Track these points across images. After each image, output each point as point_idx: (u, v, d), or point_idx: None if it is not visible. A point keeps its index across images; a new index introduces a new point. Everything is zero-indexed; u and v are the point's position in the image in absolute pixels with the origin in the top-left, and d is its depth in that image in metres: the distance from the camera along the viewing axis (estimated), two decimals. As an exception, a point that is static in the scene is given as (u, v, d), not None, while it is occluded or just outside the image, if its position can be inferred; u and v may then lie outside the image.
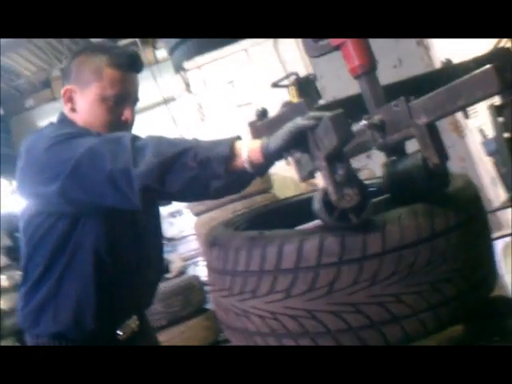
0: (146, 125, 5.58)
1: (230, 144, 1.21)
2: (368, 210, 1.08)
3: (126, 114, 1.58)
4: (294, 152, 1.18)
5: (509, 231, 2.70)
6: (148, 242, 1.69)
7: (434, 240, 1.11)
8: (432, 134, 1.11)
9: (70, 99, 1.59)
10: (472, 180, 1.42)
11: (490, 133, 2.68)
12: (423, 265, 1.10)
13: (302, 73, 4.79)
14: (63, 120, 1.61)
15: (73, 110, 1.59)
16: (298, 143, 1.14)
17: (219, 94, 4.95)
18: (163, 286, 3.71)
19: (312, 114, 1.14)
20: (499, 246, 2.56)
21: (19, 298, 1.62)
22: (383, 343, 1.11)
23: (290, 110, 1.28)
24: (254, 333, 1.21)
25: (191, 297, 3.58)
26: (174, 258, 4.34)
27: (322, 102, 1.68)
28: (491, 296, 1.33)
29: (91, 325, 1.53)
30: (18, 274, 4.61)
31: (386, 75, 1.37)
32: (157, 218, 1.80)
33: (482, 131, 3.30)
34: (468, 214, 1.21)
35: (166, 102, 5.55)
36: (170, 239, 5.08)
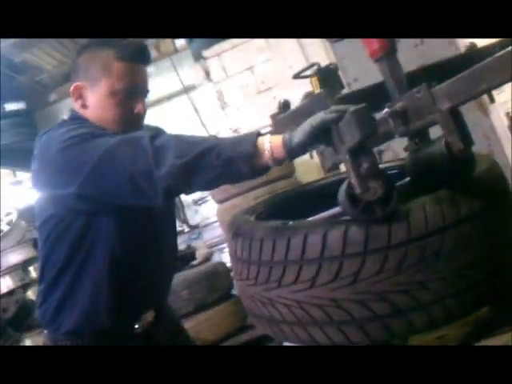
0: (168, 115, 5.60)
1: (254, 142, 1.20)
2: (393, 202, 1.07)
3: (138, 106, 1.58)
4: (317, 146, 1.18)
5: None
6: (163, 234, 1.70)
7: (460, 226, 1.10)
8: (456, 120, 1.09)
9: (80, 96, 1.58)
10: (496, 161, 1.40)
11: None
12: (448, 252, 1.09)
13: (322, 59, 4.77)
14: (75, 117, 1.61)
15: (84, 106, 1.59)
16: (321, 137, 1.14)
17: (239, 81, 4.94)
18: (189, 273, 3.74)
19: (334, 107, 1.13)
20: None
21: (37, 295, 1.65)
22: (408, 330, 1.11)
23: (310, 102, 1.27)
24: (279, 321, 1.23)
25: (217, 283, 3.60)
26: (199, 245, 4.38)
27: (344, 91, 1.67)
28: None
29: (107, 322, 1.55)
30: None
31: (408, 55, 1.36)
32: (171, 208, 1.81)
33: (508, 115, 3.23)
34: (492, 199, 1.19)
35: (186, 91, 5.56)
36: (195, 226, 5.12)
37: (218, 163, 1.20)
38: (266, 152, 1.18)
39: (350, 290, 1.10)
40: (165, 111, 5.67)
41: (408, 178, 1.30)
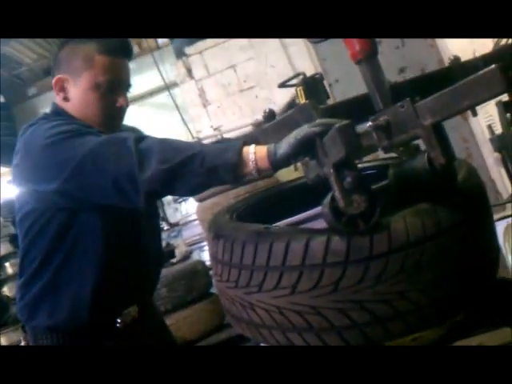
0: (149, 111, 5.58)
1: (238, 151, 1.20)
2: (376, 216, 1.09)
3: (120, 100, 1.57)
4: (301, 158, 1.19)
5: (510, 212, 2.70)
6: (147, 231, 1.69)
7: (440, 237, 1.12)
8: (438, 135, 1.10)
9: (62, 89, 1.57)
10: (474, 167, 1.42)
11: (498, 129, 2.68)
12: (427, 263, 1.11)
13: (304, 59, 4.79)
14: (57, 111, 1.60)
15: (66, 99, 1.58)
16: (306, 150, 1.14)
17: (221, 79, 4.94)
18: (168, 271, 3.73)
19: (319, 120, 1.14)
20: (501, 227, 2.57)
21: (16, 290, 1.64)
22: (385, 337, 1.14)
23: (295, 112, 1.28)
24: (259, 325, 1.23)
25: (195, 281, 3.59)
26: (178, 243, 4.37)
27: (329, 102, 1.69)
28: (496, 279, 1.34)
29: (88, 318, 1.54)
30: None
31: (389, 57, 1.37)
32: (154, 206, 1.81)
33: (490, 127, 3.30)
34: (472, 209, 1.21)
35: (168, 87, 5.53)
36: (174, 224, 5.10)
37: (201, 171, 1.20)
38: (251, 163, 1.19)
39: (330, 298, 1.12)
40: (146, 108, 5.65)
41: (387, 181, 1.31)
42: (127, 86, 1.62)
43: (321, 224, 1.19)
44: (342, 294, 1.11)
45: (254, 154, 1.20)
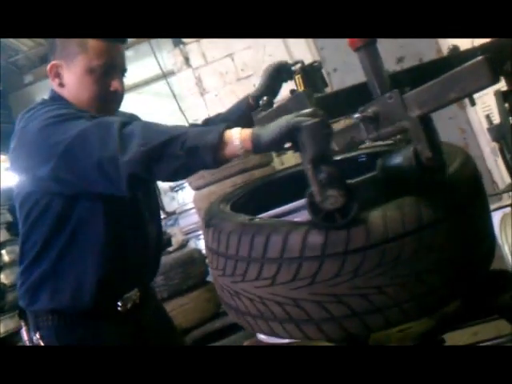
0: (146, 100, 5.55)
1: (220, 132, 1.21)
2: (353, 211, 1.09)
3: (115, 84, 1.58)
4: (285, 147, 1.19)
5: (507, 202, 2.71)
6: (147, 218, 1.70)
7: (421, 232, 1.11)
8: (425, 127, 1.09)
9: (58, 74, 1.59)
10: (469, 156, 1.41)
11: (496, 119, 2.67)
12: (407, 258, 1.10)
13: (302, 48, 4.77)
14: (54, 96, 1.61)
15: (61, 85, 1.59)
16: (287, 141, 1.15)
17: (219, 68, 4.92)
18: (164, 260, 3.73)
19: (304, 111, 1.13)
20: (498, 216, 2.57)
21: (17, 276, 1.64)
22: (364, 331, 1.14)
23: (290, 102, 1.28)
24: (244, 313, 1.25)
25: (192, 270, 3.60)
26: (175, 231, 4.37)
27: (327, 90, 1.68)
28: (491, 271, 1.34)
29: (90, 302, 1.55)
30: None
31: (387, 46, 1.36)
32: (154, 193, 1.82)
33: (488, 117, 3.30)
34: (463, 201, 1.20)
35: (165, 76, 5.51)
36: (172, 213, 5.10)
37: (181, 153, 1.21)
38: (234, 144, 1.19)
39: (308, 291, 1.12)
40: (143, 96, 5.62)
41: (373, 173, 1.30)
42: (122, 70, 1.63)
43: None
44: (320, 287, 1.11)
45: (237, 134, 1.20)
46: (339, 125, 1.24)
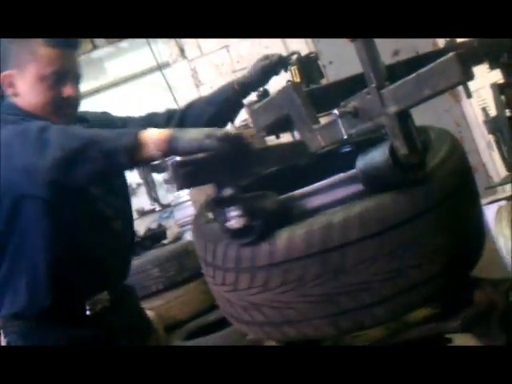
0: (140, 92, 5.53)
1: (135, 134, 1.24)
2: (257, 230, 1.13)
3: (67, 90, 1.59)
4: None
5: (502, 195, 2.71)
6: (109, 215, 1.68)
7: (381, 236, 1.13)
8: (402, 124, 1.09)
9: (11, 84, 1.60)
10: (456, 141, 1.40)
11: (493, 111, 2.68)
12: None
13: (298, 41, 4.75)
14: (8, 106, 1.62)
15: (15, 94, 1.60)
16: (204, 150, 1.18)
17: (214, 60, 4.90)
18: (159, 252, 3.73)
19: (217, 135, 1.16)
20: (492, 210, 2.58)
21: None
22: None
23: (278, 95, 1.29)
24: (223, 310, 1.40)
25: (187, 262, 3.60)
26: (170, 224, 4.37)
27: (323, 81, 1.68)
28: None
29: (45, 301, 1.54)
30: None
31: (383, 40, 1.35)
32: (121, 189, 1.80)
33: (484, 110, 3.31)
34: (437, 201, 1.19)
35: (160, 67, 5.48)
36: (166, 205, 5.09)
37: (97, 156, 1.25)
38: (151, 146, 1.22)
39: (263, 297, 1.20)
40: (138, 88, 5.59)
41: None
42: (76, 76, 1.63)
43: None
44: (242, 296, 1.23)
45: (155, 136, 1.24)
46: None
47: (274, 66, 1.72)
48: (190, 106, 1.88)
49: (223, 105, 1.79)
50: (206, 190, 2.03)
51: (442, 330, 1.26)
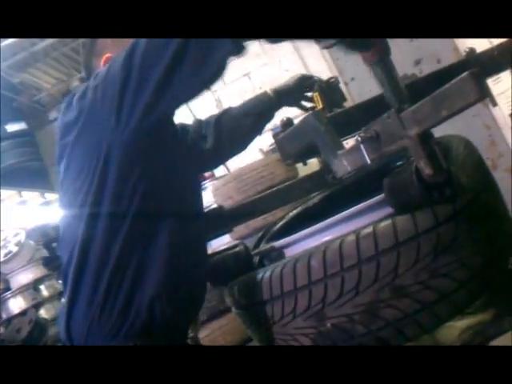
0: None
1: None
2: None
3: None
4: None
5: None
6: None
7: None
8: (425, 145, 1.09)
9: None
10: (472, 152, 1.40)
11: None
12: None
13: (318, 60, 4.78)
14: None
15: None
16: None
17: (237, 88, 4.96)
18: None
19: None
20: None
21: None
22: None
23: (302, 123, 1.31)
24: None
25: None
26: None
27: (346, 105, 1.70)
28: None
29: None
30: (59, 283, 4.73)
31: (404, 49, 1.36)
32: None
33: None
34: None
35: (185, 100, 5.57)
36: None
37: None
38: None
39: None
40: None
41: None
42: None
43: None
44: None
45: None
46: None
47: (311, 83, 1.71)
48: (224, 117, 1.82)
49: (260, 116, 1.77)
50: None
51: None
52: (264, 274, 1.31)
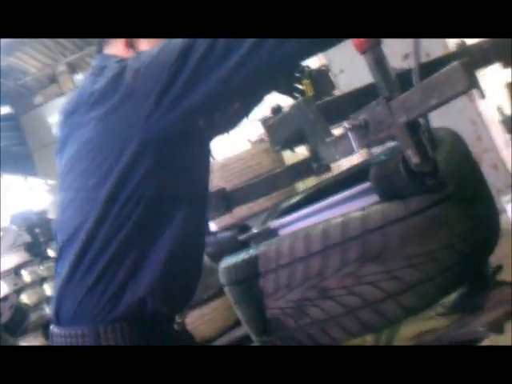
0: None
1: None
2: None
3: None
4: None
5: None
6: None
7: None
8: (413, 133, 1.09)
9: (132, 45, 1.45)
10: (457, 141, 1.42)
11: (509, 111, 2.66)
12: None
13: (311, 60, 4.76)
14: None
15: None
16: None
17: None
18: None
19: None
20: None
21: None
22: None
23: (292, 109, 1.31)
24: None
25: (211, 279, 3.60)
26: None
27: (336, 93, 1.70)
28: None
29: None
30: (41, 269, 4.70)
31: (393, 43, 1.36)
32: None
33: (499, 109, 3.29)
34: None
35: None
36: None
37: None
38: None
39: None
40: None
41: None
42: None
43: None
44: None
45: None
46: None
47: (301, 71, 1.66)
48: None
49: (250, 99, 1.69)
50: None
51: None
52: (253, 253, 1.35)
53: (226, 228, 1.64)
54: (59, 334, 1.35)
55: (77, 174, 1.37)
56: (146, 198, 1.29)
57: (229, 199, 1.85)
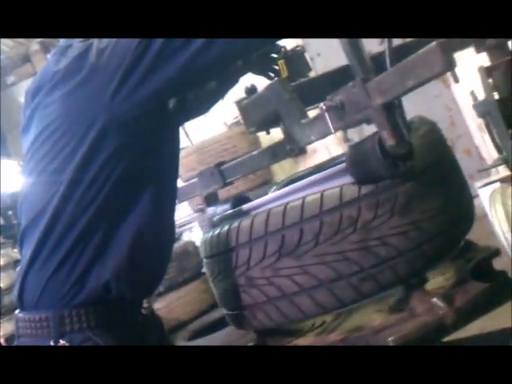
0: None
1: None
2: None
3: None
4: None
5: (495, 177, 2.73)
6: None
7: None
8: (389, 115, 1.09)
9: None
10: (432, 131, 1.42)
11: (481, 94, 2.69)
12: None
13: (287, 41, 4.72)
14: None
15: None
16: None
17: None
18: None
19: None
20: (487, 192, 2.59)
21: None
22: None
23: (267, 90, 1.30)
24: None
25: (186, 262, 3.61)
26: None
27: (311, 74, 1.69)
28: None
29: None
30: (14, 252, 4.64)
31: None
32: None
33: (472, 93, 3.30)
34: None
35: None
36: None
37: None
38: None
39: None
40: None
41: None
42: None
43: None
44: None
45: None
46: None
47: (276, 51, 1.65)
48: None
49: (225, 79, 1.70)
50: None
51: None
52: (231, 226, 1.36)
53: (224, 200, 1.68)
54: (23, 319, 1.33)
55: (40, 156, 1.34)
56: (111, 180, 1.27)
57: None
